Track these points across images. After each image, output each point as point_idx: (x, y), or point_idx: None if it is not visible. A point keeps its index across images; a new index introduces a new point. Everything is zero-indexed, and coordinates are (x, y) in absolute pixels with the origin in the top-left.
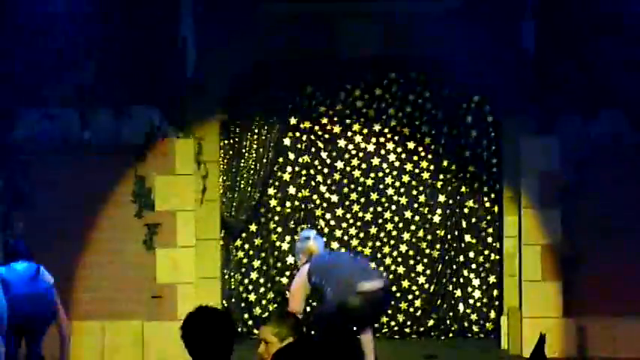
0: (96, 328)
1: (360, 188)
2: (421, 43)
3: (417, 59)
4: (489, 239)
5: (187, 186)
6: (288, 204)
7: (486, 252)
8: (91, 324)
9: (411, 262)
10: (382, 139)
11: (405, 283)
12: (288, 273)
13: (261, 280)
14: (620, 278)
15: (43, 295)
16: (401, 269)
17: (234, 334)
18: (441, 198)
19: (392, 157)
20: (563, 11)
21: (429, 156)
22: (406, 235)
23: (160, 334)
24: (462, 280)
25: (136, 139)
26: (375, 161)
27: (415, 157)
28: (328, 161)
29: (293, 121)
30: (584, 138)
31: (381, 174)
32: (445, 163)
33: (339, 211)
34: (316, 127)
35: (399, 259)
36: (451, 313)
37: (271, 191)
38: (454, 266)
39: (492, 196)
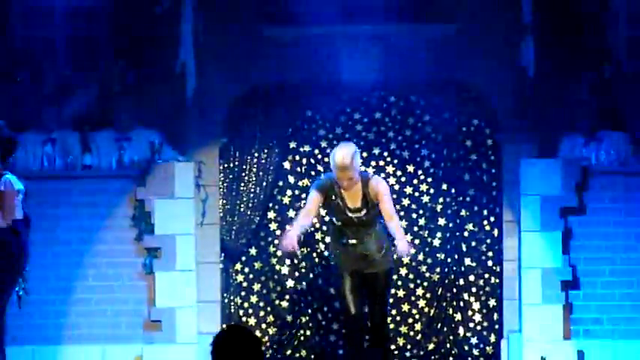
0: (95, 352)
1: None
2: (421, 66)
3: (417, 83)
4: (489, 262)
5: (187, 209)
6: (287, 227)
7: (486, 275)
8: (90, 348)
9: (411, 285)
10: (382, 163)
11: (405, 307)
12: (287, 297)
13: (261, 304)
14: (621, 302)
15: None
16: (401, 292)
17: (262, 356)
18: (441, 221)
19: (392, 180)
20: (561, 30)
21: (429, 179)
22: (406, 259)
23: (159, 358)
24: (462, 303)
25: (137, 163)
26: None
27: (415, 181)
28: None
29: (293, 144)
30: (586, 161)
31: None
32: (445, 187)
33: None
34: (316, 151)
35: (399, 283)
36: (451, 337)
37: (271, 215)
38: (454, 289)
39: (492, 219)
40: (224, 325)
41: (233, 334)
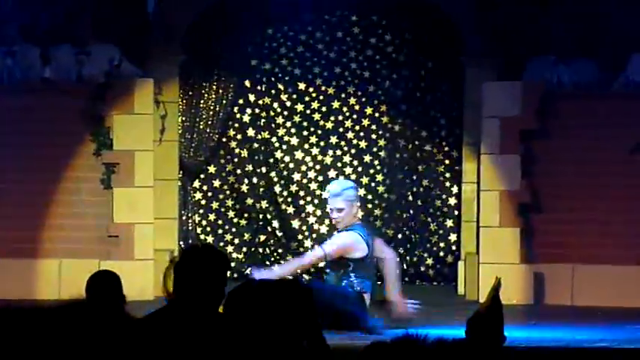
0: (53, 266)
1: (319, 131)
2: None
3: (379, 2)
4: (447, 184)
5: (146, 126)
6: (247, 146)
7: (444, 197)
8: (49, 262)
9: (369, 205)
10: (342, 82)
11: None
12: (246, 215)
13: (219, 222)
14: (579, 226)
15: None
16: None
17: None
18: (400, 141)
19: (352, 100)
20: None
21: (389, 99)
22: (365, 179)
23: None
24: (419, 225)
25: (96, 78)
26: (336, 104)
27: (375, 101)
28: (288, 104)
29: (253, 62)
30: (548, 85)
31: (341, 117)
32: (405, 107)
33: (299, 154)
34: (276, 69)
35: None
36: (408, 258)
37: (231, 132)
38: (411, 211)
39: (452, 140)
40: (192, 243)
41: (200, 251)
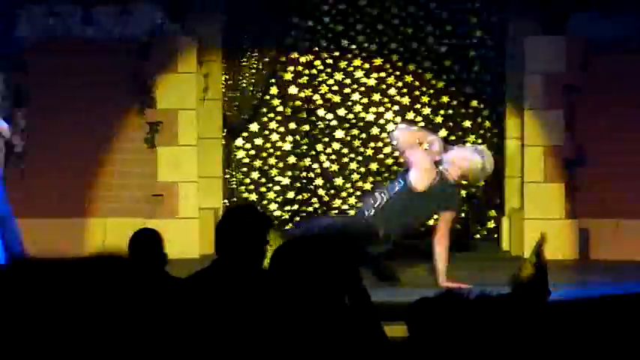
0: (99, 225)
1: (362, 89)
2: None
3: None
4: (494, 139)
5: (189, 84)
6: (289, 104)
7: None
8: (94, 221)
9: None
10: (385, 39)
11: None
12: (290, 173)
13: (262, 180)
14: (624, 180)
15: None
16: None
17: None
18: (444, 98)
19: (394, 56)
20: None
21: (432, 56)
22: None
23: (160, 232)
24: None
25: (139, 38)
26: (378, 61)
27: (418, 57)
28: (330, 61)
29: (295, 19)
30: (591, 39)
31: (383, 74)
32: (448, 64)
33: (341, 111)
34: (319, 27)
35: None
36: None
37: (273, 90)
38: None
39: (496, 96)
40: (237, 202)
41: (242, 211)
